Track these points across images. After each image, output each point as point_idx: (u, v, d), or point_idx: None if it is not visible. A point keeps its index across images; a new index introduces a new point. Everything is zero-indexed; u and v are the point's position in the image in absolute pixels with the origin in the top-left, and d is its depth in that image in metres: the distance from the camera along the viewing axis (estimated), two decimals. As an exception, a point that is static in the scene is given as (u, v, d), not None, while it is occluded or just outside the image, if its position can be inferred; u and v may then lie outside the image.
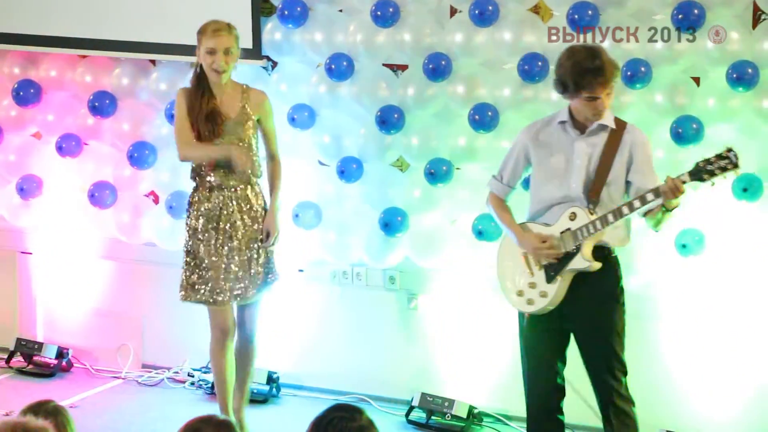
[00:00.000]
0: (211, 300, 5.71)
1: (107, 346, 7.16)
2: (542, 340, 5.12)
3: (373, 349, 6.59)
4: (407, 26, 6.18)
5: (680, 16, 5.51)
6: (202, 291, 5.72)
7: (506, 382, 6.29)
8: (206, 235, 5.70)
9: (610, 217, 4.84)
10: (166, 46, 6.67)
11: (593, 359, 5.06)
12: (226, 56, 5.58)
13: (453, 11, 6.16)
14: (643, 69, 5.60)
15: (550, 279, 5.00)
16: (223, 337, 5.76)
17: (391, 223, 6.20)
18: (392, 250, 6.34)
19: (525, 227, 5.12)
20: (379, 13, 6.12)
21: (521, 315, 5.14)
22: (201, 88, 5.66)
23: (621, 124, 5.00)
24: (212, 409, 5.90)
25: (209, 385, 6.71)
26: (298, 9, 6.33)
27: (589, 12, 5.69)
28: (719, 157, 4.68)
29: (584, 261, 4.92)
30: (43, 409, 3.60)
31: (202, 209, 5.70)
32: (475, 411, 6.25)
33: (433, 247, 6.27)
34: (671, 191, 4.71)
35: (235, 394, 5.86)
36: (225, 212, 5.67)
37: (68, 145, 6.91)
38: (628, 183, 4.97)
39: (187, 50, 6.55)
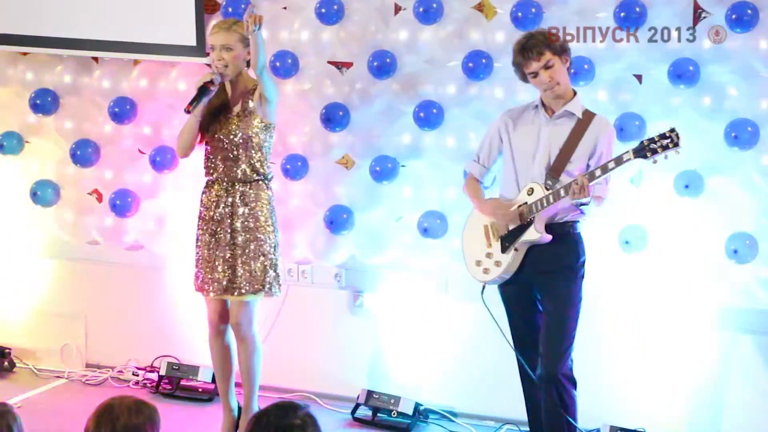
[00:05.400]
0: (202, 290, 5.76)
1: (50, 345, 7.09)
2: (518, 299, 5.31)
3: (319, 347, 6.58)
4: (352, 24, 6.17)
5: (622, 14, 5.56)
6: (197, 281, 5.77)
7: (452, 379, 6.32)
8: (202, 226, 5.73)
9: (551, 198, 5.03)
10: (108, 44, 6.61)
11: (545, 329, 5.17)
12: (224, 53, 5.56)
13: (397, 9, 6.16)
14: (586, 66, 5.65)
15: (504, 249, 5.20)
16: (210, 328, 5.81)
17: (337, 220, 6.20)
18: (338, 247, 6.34)
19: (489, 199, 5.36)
20: (323, 10, 6.10)
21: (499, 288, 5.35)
22: (221, 87, 5.65)
23: (589, 116, 5.15)
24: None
25: (154, 384, 6.68)
26: (242, 6, 6.29)
27: (533, 10, 5.71)
28: (662, 136, 4.84)
29: (536, 233, 5.11)
30: None
31: (204, 200, 5.73)
32: (421, 408, 6.26)
33: (379, 244, 6.28)
34: (580, 190, 4.89)
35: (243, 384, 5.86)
36: (220, 206, 5.66)
37: (9, 143, 6.85)
38: (588, 167, 5.09)
39: (130, 47, 6.52)
